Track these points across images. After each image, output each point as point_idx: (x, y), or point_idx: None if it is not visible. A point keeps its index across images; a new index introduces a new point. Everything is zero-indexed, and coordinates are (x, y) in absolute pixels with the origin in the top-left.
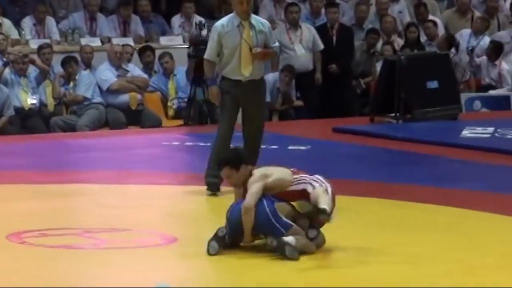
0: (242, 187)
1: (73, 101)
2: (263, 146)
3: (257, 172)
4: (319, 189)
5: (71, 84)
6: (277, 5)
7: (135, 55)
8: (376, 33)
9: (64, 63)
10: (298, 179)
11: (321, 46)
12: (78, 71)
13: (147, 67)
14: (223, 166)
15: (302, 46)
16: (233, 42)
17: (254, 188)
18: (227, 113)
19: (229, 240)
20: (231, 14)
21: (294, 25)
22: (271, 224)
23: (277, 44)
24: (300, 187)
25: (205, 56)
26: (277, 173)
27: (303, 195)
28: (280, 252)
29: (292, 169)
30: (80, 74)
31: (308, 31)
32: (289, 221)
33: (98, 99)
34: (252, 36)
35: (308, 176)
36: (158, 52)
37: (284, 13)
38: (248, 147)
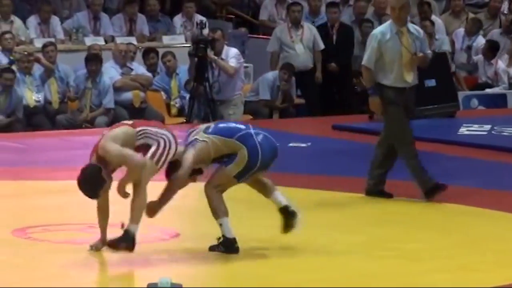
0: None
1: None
2: None
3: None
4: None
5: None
6: (278, 4)
7: (138, 54)
8: (371, 23)
9: (88, 60)
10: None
11: (322, 46)
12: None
13: (151, 69)
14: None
15: (302, 45)
16: (393, 50)
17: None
18: (404, 128)
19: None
20: (388, 22)
21: (296, 24)
22: None
23: (430, 51)
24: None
25: (365, 63)
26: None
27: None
28: None
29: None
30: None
31: (309, 31)
32: None
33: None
34: (410, 42)
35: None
36: (161, 51)
37: (286, 11)
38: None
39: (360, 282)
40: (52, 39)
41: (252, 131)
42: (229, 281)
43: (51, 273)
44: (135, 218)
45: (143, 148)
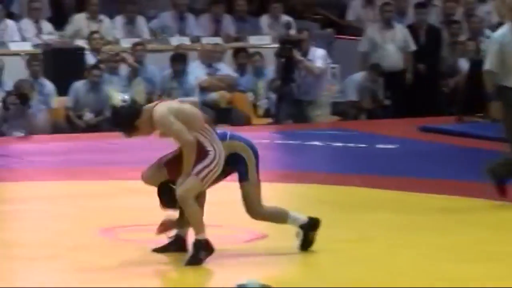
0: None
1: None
2: (351, 144)
3: (160, 112)
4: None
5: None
6: (366, 5)
7: (228, 54)
8: (458, 23)
9: (173, 60)
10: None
11: (413, 47)
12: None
13: (240, 69)
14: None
15: (394, 45)
16: None
17: (175, 130)
18: None
19: None
20: (508, 24)
21: (387, 24)
22: None
23: None
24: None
25: (488, 67)
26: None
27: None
28: None
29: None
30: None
31: (400, 31)
32: None
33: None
34: None
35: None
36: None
37: (379, 11)
38: None
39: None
40: (138, 39)
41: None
42: (319, 282)
43: (137, 273)
44: (197, 230)
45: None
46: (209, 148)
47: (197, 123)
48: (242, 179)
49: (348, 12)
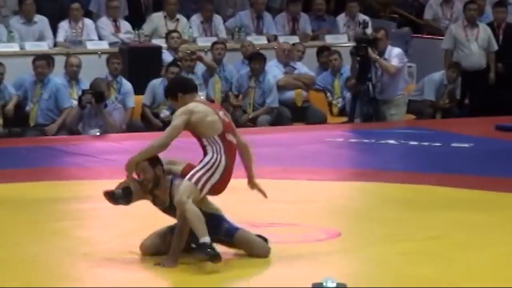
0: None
1: None
2: (425, 143)
3: (185, 107)
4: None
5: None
6: (444, 4)
7: (307, 53)
8: None
9: (251, 59)
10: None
11: (496, 46)
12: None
13: (322, 67)
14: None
15: (477, 44)
16: None
17: (171, 127)
18: None
19: None
20: None
21: (471, 23)
22: None
23: None
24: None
25: None
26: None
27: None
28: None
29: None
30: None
31: (484, 31)
32: None
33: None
34: None
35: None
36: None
37: (463, 10)
38: None
39: None
40: (215, 38)
41: None
42: (394, 281)
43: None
44: (199, 234)
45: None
46: (209, 152)
47: (210, 134)
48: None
49: (425, 11)
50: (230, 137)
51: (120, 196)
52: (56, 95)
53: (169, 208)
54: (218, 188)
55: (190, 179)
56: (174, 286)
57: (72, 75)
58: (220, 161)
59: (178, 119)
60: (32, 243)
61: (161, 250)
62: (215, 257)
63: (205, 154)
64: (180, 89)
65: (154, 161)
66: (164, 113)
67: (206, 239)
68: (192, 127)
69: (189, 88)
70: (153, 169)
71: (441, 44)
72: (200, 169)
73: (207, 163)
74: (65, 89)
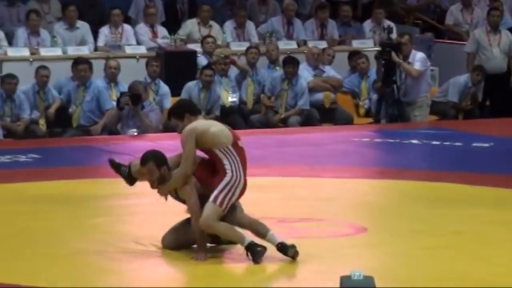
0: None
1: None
2: (447, 143)
3: (188, 126)
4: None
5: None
6: (464, 10)
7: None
8: None
9: (285, 62)
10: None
11: None
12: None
13: (353, 71)
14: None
15: (499, 49)
16: None
17: (185, 153)
18: None
19: None
20: None
21: (494, 28)
22: None
23: None
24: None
25: None
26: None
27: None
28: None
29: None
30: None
31: (506, 36)
32: None
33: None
34: None
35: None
36: None
37: (486, 16)
38: None
39: None
40: (247, 43)
41: None
42: (419, 275)
43: (243, 266)
44: (238, 242)
45: (214, 158)
46: (227, 167)
47: (219, 142)
48: None
49: (447, 17)
50: (240, 143)
51: (124, 176)
52: (98, 97)
53: (177, 198)
54: (236, 199)
55: (214, 201)
56: (212, 286)
57: (111, 77)
58: (240, 179)
59: (187, 143)
60: (75, 238)
61: (181, 242)
62: (262, 250)
63: (224, 169)
64: (188, 110)
65: (160, 162)
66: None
67: (246, 241)
68: (201, 142)
69: (196, 110)
70: (159, 170)
71: (464, 48)
72: (222, 189)
73: (228, 183)
74: (106, 92)
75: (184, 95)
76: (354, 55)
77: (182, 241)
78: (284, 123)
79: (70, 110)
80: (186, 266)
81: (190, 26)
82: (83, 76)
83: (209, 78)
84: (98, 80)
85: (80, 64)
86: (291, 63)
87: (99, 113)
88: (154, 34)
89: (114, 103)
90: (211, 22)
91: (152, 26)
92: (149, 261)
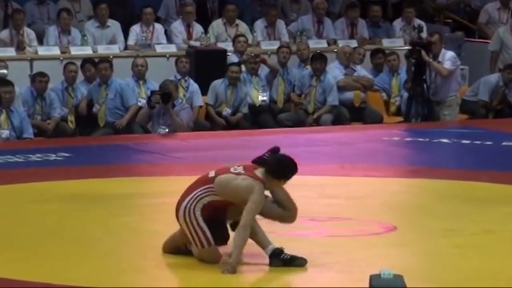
0: None
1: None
2: (477, 142)
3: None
4: None
5: (315, 81)
6: (501, 8)
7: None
8: None
9: (314, 59)
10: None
11: None
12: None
13: (376, 68)
14: None
15: None
16: None
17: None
18: None
19: None
20: None
21: None
22: None
23: None
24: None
25: None
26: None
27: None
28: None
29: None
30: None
31: None
32: None
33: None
34: None
35: None
36: None
37: (510, 16)
38: None
39: None
40: (277, 42)
41: None
42: (449, 274)
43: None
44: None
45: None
46: None
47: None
48: None
49: (480, 14)
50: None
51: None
52: (121, 94)
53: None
54: None
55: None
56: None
57: (139, 75)
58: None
59: (260, 198)
60: (104, 237)
61: (180, 248)
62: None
63: None
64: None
65: None
66: (226, 110)
67: (270, 248)
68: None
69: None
70: None
71: (488, 46)
72: None
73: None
74: (129, 88)
75: (210, 93)
76: (377, 53)
77: (181, 246)
78: (316, 122)
79: (94, 109)
80: (217, 266)
81: (216, 27)
82: (104, 74)
83: (235, 74)
84: (119, 78)
85: (101, 63)
86: (319, 59)
87: (124, 109)
88: (190, 33)
89: (142, 101)
90: (238, 21)
91: (188, 25)
92: (180, 260)
